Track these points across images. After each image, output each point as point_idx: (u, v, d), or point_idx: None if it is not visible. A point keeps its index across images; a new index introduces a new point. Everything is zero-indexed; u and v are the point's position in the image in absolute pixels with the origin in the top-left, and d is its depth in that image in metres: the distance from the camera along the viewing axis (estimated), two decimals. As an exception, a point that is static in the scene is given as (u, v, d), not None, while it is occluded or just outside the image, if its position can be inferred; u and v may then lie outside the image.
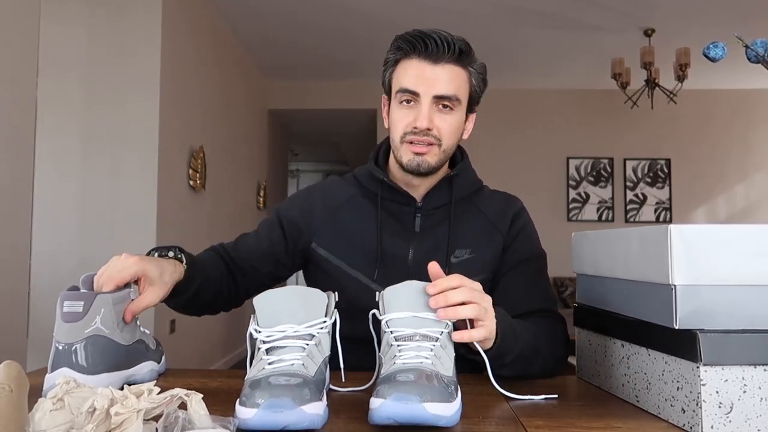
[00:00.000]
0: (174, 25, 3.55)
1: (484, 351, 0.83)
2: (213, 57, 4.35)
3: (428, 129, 1.02)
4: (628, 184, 6.31)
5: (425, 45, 1.01)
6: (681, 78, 4.51)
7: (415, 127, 1.02)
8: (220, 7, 4.35)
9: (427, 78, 1.01)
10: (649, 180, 6.31)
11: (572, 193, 6.32)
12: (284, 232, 1.13)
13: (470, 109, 1.10)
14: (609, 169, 6.33)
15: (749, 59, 0.71)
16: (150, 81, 3.31)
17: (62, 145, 3.25)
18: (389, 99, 1.09)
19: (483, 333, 0.81)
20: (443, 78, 1.02)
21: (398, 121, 1.05)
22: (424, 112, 1.01)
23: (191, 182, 3.82)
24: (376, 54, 5.40)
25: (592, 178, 6.33)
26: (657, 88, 4.81)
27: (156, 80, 3.31)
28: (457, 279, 0.77)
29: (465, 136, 1.12)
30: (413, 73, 1.02)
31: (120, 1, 3.32)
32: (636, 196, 6.30)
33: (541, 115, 6.37)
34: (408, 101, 1.03)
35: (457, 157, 1.17)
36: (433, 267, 0.81)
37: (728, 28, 4.53)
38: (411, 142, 1.04)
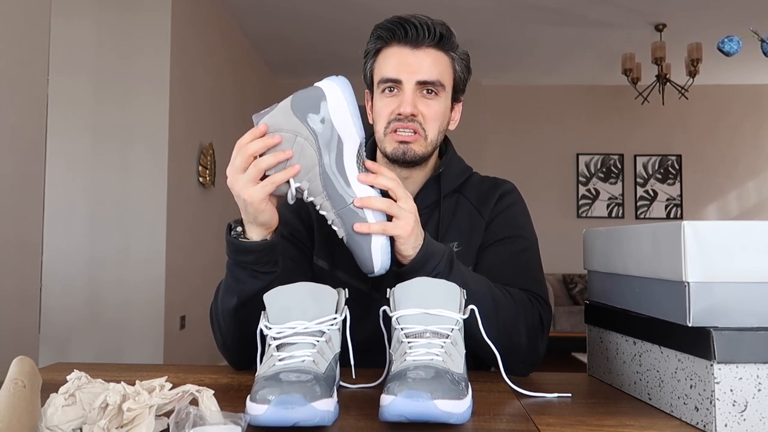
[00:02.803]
0: (183, 22, 3.56)
1: (406, 264, 0.85)
2: (221, 54, 4.36)
3: (413, 115, 0.97)
4: (638, 180, 6.27)
5: (405, 30, 0.97)
6: (692, 73, 4.47)
7: (399, 114, 0.97)
8: (228, 5, 4.35)
9: (409, 64, 0.97)
10: (659, 176, 6.26)
11: (582, 190, 6.29)
12: (295, 245, 1.05)
13: (455, 98, 1.05)
14: (619, 165, 6.29)
15: (765, 53, 0.70)
16: (159, 78, 3.32)
17: (72, 142, 3.27)
18: (372, 92, 1.04)
19: (398, 229, 0.82)
20: (425, 63, 0.97)
21: (381, 110, 1.00)
22: (407, 98, 0.96)
23: (200, 179, 3.83)
24: (384, 50, 5.40)
25: (602, 175, 6.29)
26: (668, 83, 4.77)
27: (165, 77, 3.32)
28: (393, 182, 0.83)
29: (452, 127, 1.07)
30: (394, 61, 0.98)
31: (129, -1, 3.34)
32: (646, 192, 6.26)
33: (550, 112, 6.34)
34: (390, 89, 0.99)
35: (443, 149, 1.11)
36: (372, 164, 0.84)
37: (741, 22, 4.48)
38: (395, 131, 0.98)
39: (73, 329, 3.20)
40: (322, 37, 5.01)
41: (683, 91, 4.79)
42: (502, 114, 6.36)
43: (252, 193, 0.79)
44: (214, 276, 4.20)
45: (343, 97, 0.80)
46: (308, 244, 1.06)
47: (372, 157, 1.08)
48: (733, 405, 0.64)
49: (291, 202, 0.83)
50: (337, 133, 0.81)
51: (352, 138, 0.82)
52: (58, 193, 3.22)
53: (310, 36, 5.00)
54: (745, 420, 0.64)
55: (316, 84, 0.81)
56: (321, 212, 0.84)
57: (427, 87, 0.98)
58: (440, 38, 0.98)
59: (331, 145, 0.80)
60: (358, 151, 0.84)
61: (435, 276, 0.85)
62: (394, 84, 0.98)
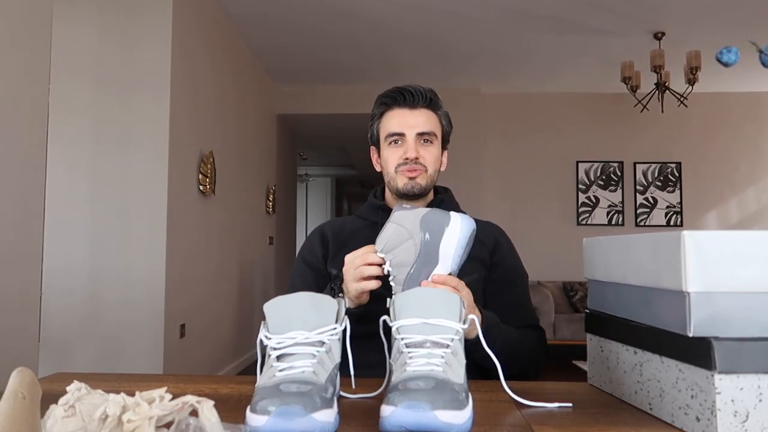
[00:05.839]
0: (184, 29, 3.57)
1: (469, 339, 0.93)
2: (222, 61, 4.38)
3: (416, 158, 1.23)
4: (638, 187, 6.28)
5: (404, 97, 1.25)
6: (691, 81, 4.49)
7: (407, 158, 1.23)
8: (229, 12, 4.37)
9: (409, 121, 1.24)
10: (659, 184, 6.27)
11: (582, 197, 6.29)
12: (315, 272, 1.29)
13: (443, 146, 1.31)
14: (619, 173, 6.30)
15: (763, 64, 0.70)
16: (160, 85, 3.33)
17: (72, 148, 3.28)
18: (378, 146, 1.31)
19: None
20: (421, 119, 1.25)
21: (390, 156, 1.26)
22: (411, 146, 1.23)
23: (201, 187, 3.83)
24: (383, 59, 5.42)
25: (601, 182, 6.30)
26: (667, 91, 4.78)
27: (166, 85, 3.33)
28: (455, 281, 0.96)
29: (443, 168, 1.32)
30: (397, 120, 1.25)
31: (130, 4, 3.35)
32: (646, 199, 6.26)
33: (550, 119, 6.35)
34: (396, 141, 1.25)
35: (441, 191, 1.36)
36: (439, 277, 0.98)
37: (739, 31, 4.50)
38: (404, 171, 1.24)
39: (74, 335, 3.19)
40: (322, 45, 5.04)
41: (682, 98, 4.81)
42: (501, 121, 6.38)
43: (352, 287, 1.03)
44: (214, 283, 4.21)
45: (460, 234, 0.97)
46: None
47: (383, 198, 1.35)
48: (735, 415, 0.64)
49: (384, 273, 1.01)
50: (438, 256, 0.96)
51: (445, 266, 0.96)
52: (58, 199, 3.22)
53: (311, 44, 5.02)
54: (746, 430, 0.63)
55: (450, 213, 1.00)
56: (390, 282, 0.98)
57: (424, 137, 1.25)
58: (430, 101, 1.26)
59: (428, 259, 0.96)
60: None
61: (491, 342, 0.97)
62: (399, 137, 1.25)
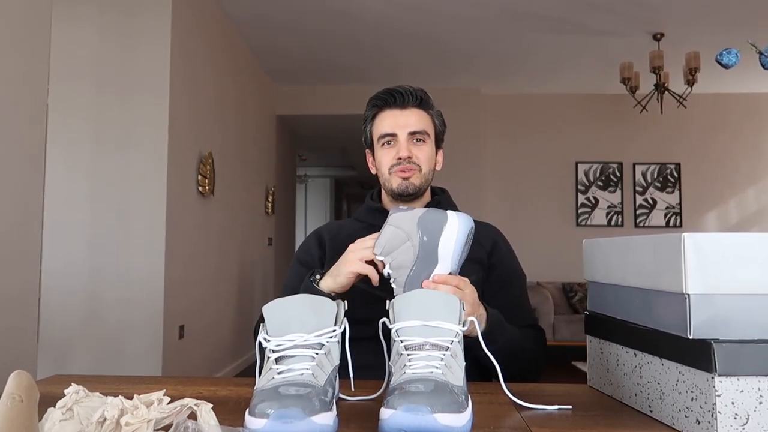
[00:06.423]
0: (183, 30, 3.57)
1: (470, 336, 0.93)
2: (222, 62, 4.37)
3: (409, 157, 1.23)
4: (637, 188, 6.28)
5: (394, 98, 1.25)
6: (691, 82, 4.49)
7: (399, 158, 1.23)
8: (229, 13, 4.37)
9: (400, 121, 1.25)
10: (658, 184, 6.27)
11: (581, 198, 6.29)
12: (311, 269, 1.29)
13: (437, 146, 1.31)
14: (618, 174, 6.29)
15: (763, 66, 0.70)
16: (159, 86, 3.32)
17: (72, 148, 3.27)
18: (372, 149, 1.31)
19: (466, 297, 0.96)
20: (412, 119, 1.25)
21: (384, 157, 1.26)
22: (403, 145, 1.24)
23: (200, 188, 3.83)
24: (382, 60, 5.42)
25: (601, 183, 6.30)
26: (666, 92, 4.78)
27: (166, 85, 3.33)
28: (457, 279, 0.96)
29: (438, 168, 1.32)
30: (389, 121, 1.25)
31: (130, 4, 3.35)
32: (645, 200, 6.26)
33: (549, 120, 6.35)
34: (389, 142, 1.25)
35: (439, 191, 1.36)
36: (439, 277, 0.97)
37: (739, 31, 4.50)
38: (397, 171, 1.24)
39: (73, 335, 3.19)
40: (322, 45, 5.03)
41: (681, 99, 4.81)
42: (501, 122, 6.38)
43: (348, 260, 1.04)
44: (213, 284, 4.20)
45: (458, 233, 0.96)
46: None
47: (380, 200, 1.34)
48: (735, 418, 0.63)
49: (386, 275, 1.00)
50: (437, 256, 0.95)
51: (445, 266, 0.96)
52: (58, 199, 3.22)
53: (311, 45, 5.02)
54: (746, 433, 0.63)
55: (447, 212, 0.99)
56: (391, 284, 0.97)
57: (417, 136, 1.25)
58: (420, 100, 1.26)
59: (427, 260, 0.95)
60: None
61: (494, 340, 0.98)
62: (391, 137, 1.25)
